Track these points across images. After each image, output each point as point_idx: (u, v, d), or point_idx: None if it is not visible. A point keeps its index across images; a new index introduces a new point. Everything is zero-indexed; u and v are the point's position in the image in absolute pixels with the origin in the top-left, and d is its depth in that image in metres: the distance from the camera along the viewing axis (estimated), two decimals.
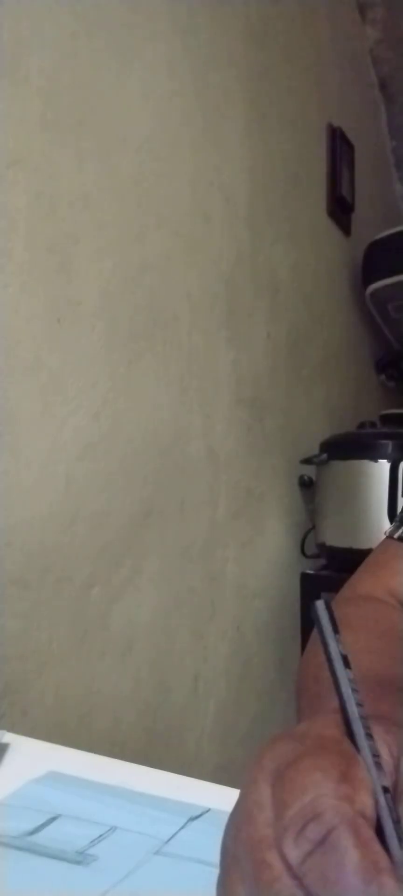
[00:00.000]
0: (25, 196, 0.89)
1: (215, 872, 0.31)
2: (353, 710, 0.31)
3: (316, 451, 1.65)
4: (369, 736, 0.30)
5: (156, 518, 1.15)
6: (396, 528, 0.65)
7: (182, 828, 0.43)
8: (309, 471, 1.72)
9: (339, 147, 2.02)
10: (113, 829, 0.43)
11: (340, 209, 2.05)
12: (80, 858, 0.40)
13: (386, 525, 1.49)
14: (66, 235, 0.96)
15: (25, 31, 0.89)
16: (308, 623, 1.61)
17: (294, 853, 0.27)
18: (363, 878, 0.25)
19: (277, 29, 1.66)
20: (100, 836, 0.42)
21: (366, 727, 0.31)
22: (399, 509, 1.50)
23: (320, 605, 0.33)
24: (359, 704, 0.31)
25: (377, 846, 0.26)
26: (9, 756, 0.55)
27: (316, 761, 0.29)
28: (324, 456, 1.62)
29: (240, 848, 0.29)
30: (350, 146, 2.10)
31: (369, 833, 0.27)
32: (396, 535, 0.65)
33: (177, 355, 1.22)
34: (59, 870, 0.39)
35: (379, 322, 2.23)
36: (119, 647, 1.06)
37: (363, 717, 0.31)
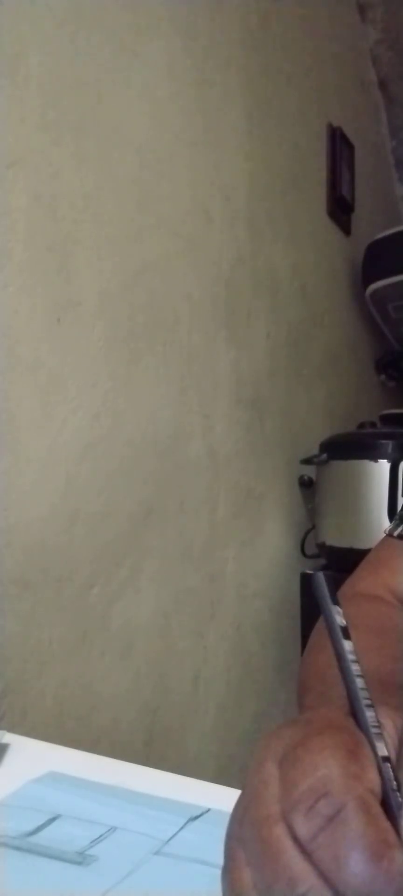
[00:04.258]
0: (25, 196, 0.89)
1: (215, 872, 0.31)
2: (353, 679, 0.31)
3: (316, 451, 1.65)
4: (370, 706, 0.31)
5: (156, 518, 1.15)
6: (396, 526, 0.66)
7: (182, 828, 0.43)
8: (309, 471, 1.72)
9: (339, 147, 2.02)
10: (113, 829, 0.43)
11: (340, 209, 2.05)
12: (80, 858, 0.40)
13: (386, 525, 1.48)
14: (65, 235, 0.96)
15: (25, 31, 0.89)
16: (308, 623, 1.61)
17: (304, 829, 0.27)
18: (374, 854, 0.26)
19: (277, 29, 1.66)
20: (100, 836, 0.42)
21: (367, 697, 0.31)
22: (399, 509, 1.50)
23: (320, 576, 0.33)
24: (360, 676, 0.31)
25: (385, 822, 0.27)
26: (9, 756, 0.55)
27: (324, 740, 0.29)
28: (324, 456, 1.62)
29: (247, 828, 0.29)
30: (350, 146, 2.10)
31: (378, 810, 0.27)
32: (396, 533, 0.65)
33: (177, 355, 1.22)
34: (59, 870, 0.39)
35: (379, 322, 2.23)
36: (119, 647, 1.06)
37: (364, 689, 0.31)
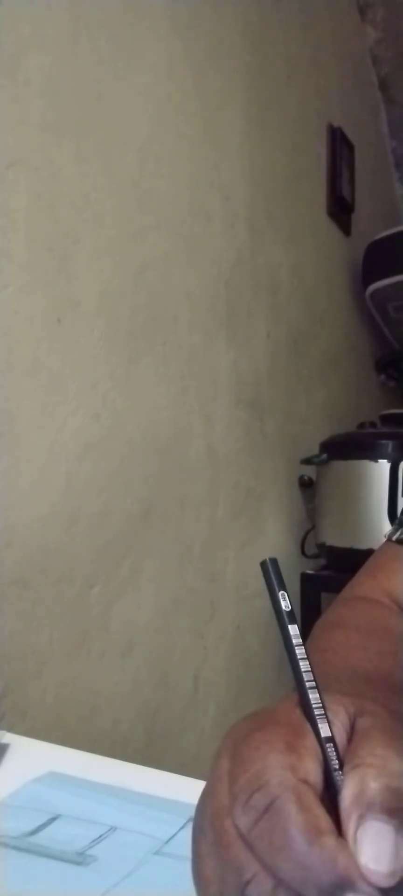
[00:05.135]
0: (25, 196, 0.89)
1: None
2: (297, 662, 0.32)
3: (316, 451, 1.65)
4: (314, 688, 0.32)
5: (156, 518, 1.15)
6: (395, 531, 0.66)
7: (182, 828, 0.43)
8: (309, 471, 1.72)
9: (339, 147, 2.02)
10: (113, 829, 0.43)
11: (340, 209, 2.05)
12: (80, 859, 0.40)
13: (386, 525, 1.49)
14: (65, 235, 0.96)
15: (25, 31, 0.89)
16: (308, 622, 1.61)
17: (242, 821, 0.28)
18: (305, 840, 0.27)
19: (277, 29, 1.66)
20: (100, 836, 0.42)
21: (312, 680, 0.32)
22: (399, 509, 1.50)
23: (268, 562, 0.35)
24: (304, 659, 0.32)
25: (318, 809, 0.28)
26: (9, 756, 0.55)
27: (263, 735, 0.30)
28: (324, 456, 1.62)
29: (206, 820, 0.30)
30: (350, 146, 2.10)
31: (311, 798, 0.28)
32: (394, 538, 0.65)
33: (177, 355, 1.22)
34: (59, 870, 0.39)
35: (379, 322, 2.23)
36: (119, 647, 1.06)
37: (308, 671, 0.32)
